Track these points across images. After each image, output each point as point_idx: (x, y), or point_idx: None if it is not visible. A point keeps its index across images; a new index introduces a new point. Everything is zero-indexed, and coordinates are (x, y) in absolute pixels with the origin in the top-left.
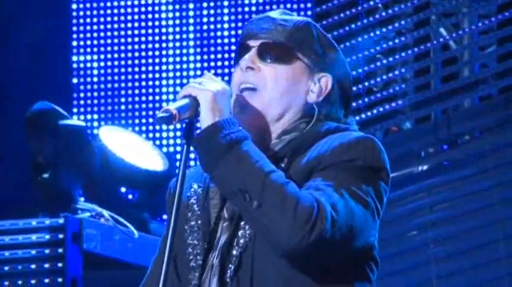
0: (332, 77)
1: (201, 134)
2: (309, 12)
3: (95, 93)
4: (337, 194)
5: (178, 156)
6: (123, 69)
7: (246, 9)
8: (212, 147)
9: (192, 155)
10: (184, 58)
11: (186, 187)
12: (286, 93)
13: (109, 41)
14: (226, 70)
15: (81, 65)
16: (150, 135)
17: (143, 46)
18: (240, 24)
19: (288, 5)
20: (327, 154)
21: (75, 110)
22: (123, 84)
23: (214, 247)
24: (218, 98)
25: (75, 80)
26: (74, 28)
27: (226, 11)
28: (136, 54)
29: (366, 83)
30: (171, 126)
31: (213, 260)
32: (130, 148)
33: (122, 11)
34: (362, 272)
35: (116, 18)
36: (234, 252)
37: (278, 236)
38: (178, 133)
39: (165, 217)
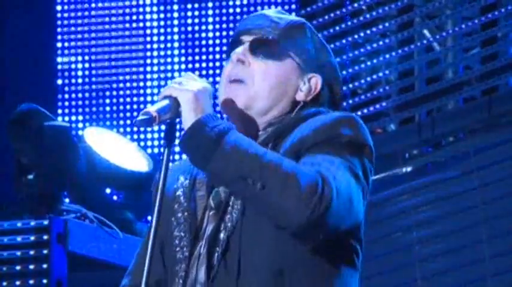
0: (322, 79)
1: (186, 134)
2: (294, 14)
3: (80, 95)
4: (334, 167)
5: None
6: (107, 71)
7: (231, 10)
8: (201, 142)
9: (176, 157)
10: (169, 59)
11: (172, 179)
12: (274, 89)
13: (93, 42)
14: (211, 71)
15: (66, 66)
16: (135, 136)
17: (128, 47)
18: (224, 25)
19: (273, 7)
20: (310, 134)
21: (59, 111)
22: (107, 86)
23: (200, 237)
24: (199, 97)
25: (59, 81)
26: (59, 29)
27: (210, 12)
28: (121, 55)
29: (351, 85)
30: (156, 128)
31: (200, 250)
32: (115, 149)
33: (107, 12)
34: (348, 255)
35: (100, 20)
36: (222, 236)
37: (288, 212)
38: (163, 134)
39: (149, 218)
